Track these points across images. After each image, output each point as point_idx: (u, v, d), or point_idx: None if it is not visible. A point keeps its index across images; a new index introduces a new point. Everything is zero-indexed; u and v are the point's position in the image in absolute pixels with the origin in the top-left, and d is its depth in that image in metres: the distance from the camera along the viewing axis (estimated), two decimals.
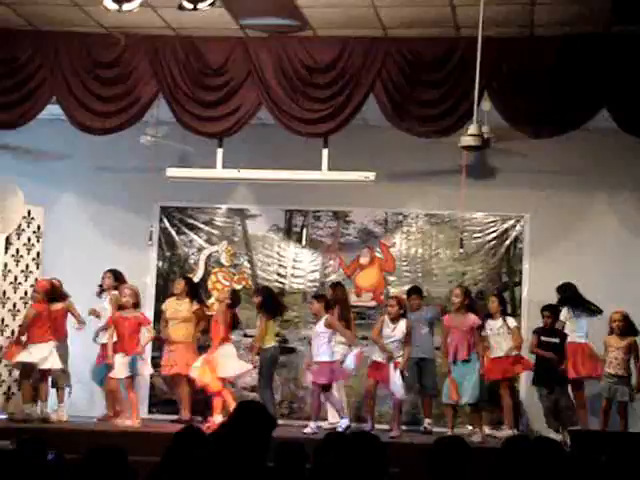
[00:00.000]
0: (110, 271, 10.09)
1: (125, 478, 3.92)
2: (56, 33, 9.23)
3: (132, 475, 4.02)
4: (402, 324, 9.30)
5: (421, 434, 9.53)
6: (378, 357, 9.34)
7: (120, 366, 9.42)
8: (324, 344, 9.16)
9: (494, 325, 9.61)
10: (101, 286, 10.12)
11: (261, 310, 9.89)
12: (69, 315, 9.90)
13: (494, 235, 10.73)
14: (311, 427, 9.16)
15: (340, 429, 8.79)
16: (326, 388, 9.23)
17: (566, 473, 3.95)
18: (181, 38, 9.20)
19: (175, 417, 9.86)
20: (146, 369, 9.70)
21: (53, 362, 9.43)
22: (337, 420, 9.32)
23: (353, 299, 10.59)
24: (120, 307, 9.63)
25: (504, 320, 9.63)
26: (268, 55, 9.05)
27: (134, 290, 9.69)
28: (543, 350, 9.58)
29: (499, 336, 9.58)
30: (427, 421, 9.73)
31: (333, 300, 9.68)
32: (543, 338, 9.63)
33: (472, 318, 9.30)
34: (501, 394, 9.57)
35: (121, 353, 9.44)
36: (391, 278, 10.79)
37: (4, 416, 9.88)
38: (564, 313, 9.69)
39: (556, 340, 9.58)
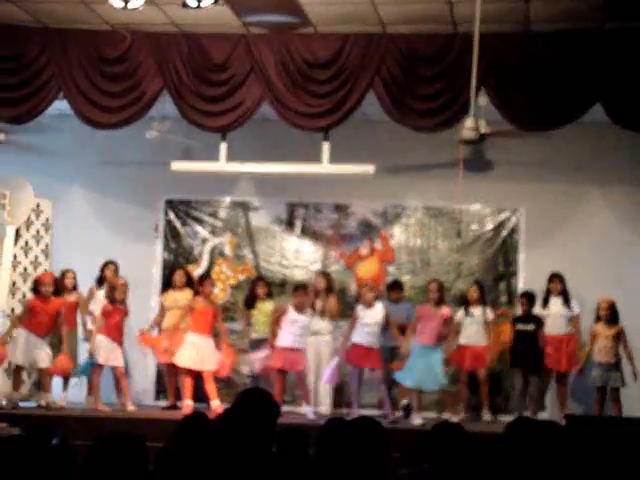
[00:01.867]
0: (112, 263, 10.25)
1: (140, 465, 3.86)
2: (63, 30, 9.35)
3: (145, 462, 3.94)
4: (378, 308, 9.42)
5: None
6: (359, 339, 9.37)
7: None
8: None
9: (472, 312, 9.78)
10: (102, 278, 10.24)
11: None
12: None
13: (491, 226, 10.83)
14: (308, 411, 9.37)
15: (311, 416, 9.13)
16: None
17: (567, 457, 4.01)
18: (185, 35, 9.31)
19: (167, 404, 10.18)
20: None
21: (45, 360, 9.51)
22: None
23: (353, 289, 10.80)
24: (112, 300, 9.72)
25: (483, 310, 9.81)
26: (270, 51, 9.16)
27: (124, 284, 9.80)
28: (519, 337, 9.66)
29: (473, 325, 9.74)
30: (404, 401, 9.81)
31: (328, 289, 9.95)
32: (519, 326, 9.73)
33: (445, 310, 9.36)
34: (480, 380, 9.80)
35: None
36: (390, 269, 10.92)
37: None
38: (559, 303, 9.84)
39: (531, 327, 9.66)
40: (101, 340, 9.57)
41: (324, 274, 10.30)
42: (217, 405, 9.51)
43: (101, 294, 9.97)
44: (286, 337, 9.33)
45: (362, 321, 9.33)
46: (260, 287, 10.19)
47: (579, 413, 9.84)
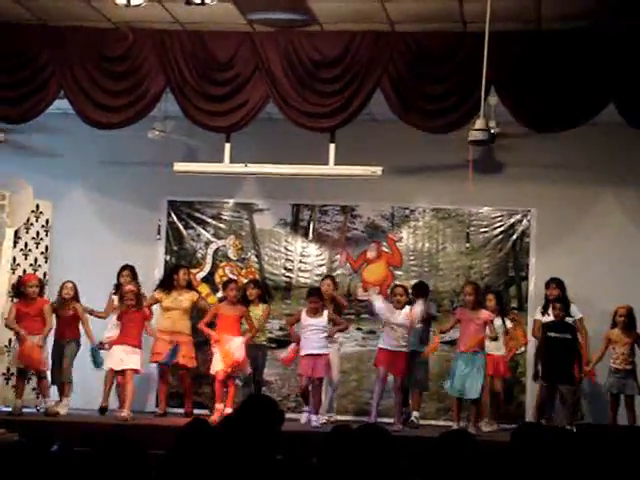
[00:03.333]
0: (126, 268, 10.07)
1: (141, 470, 3.89)
2: (65, 28, 9.25)
3: (147, 468, 3.99)
4: (405, 311, 9.31)
5: (409, 428, 9.39)
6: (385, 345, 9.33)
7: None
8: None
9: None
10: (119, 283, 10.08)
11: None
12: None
13: (501, 229, 10.72)
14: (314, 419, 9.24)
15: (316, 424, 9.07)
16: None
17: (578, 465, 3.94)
18: (189, 33, 9.21)
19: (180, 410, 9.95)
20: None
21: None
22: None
23: (360, 293, 10.65)
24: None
25: (502, 321, 9.61)
26: (275, 50, 9.05)
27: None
28: (553, 345, 9.29)
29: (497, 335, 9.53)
30: (415, 414, 9.63)
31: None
32: (552, 334, 9.33)
33: (485, 313, 9.17)
34: (497, 390, 9.61)
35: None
36: (398, 272, 10.79)
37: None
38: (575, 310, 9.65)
39: (567, 335, 9.28)
40: (115, 347, 9.49)
41: (331, 278, 10.13)
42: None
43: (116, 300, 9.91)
44: (303, 344, 9.30)
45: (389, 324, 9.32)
46: (250, 289, 9.92)
47: (584, 421, 9.72)
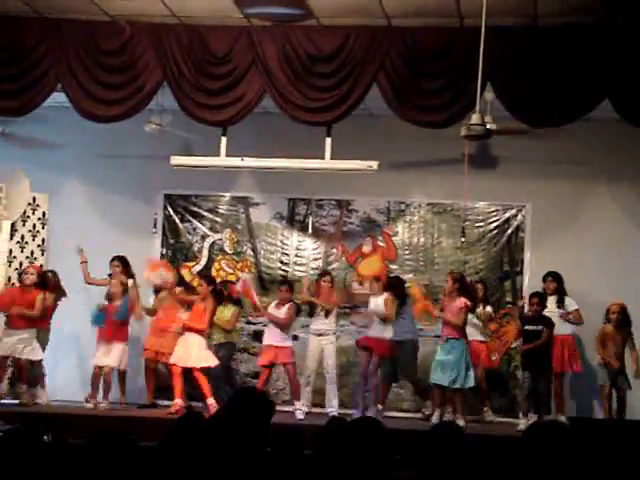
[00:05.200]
0: (115, 259, 10.11)
1: (133, 463, 3.86)
2: (61, 21, 9.23)
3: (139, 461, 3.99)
4: (380, 299, 9.55)
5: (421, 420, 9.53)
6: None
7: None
8: None
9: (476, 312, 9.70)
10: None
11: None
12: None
13: (496, 224, 10.74)
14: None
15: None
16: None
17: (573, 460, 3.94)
18: (186, 26, 9.19)
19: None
20: None
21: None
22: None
23: (355, 287, 10.68)
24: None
25: (483, 307, 9.76)
26: (272, 44, 9.04)
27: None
28: (527, 339, 9.40)
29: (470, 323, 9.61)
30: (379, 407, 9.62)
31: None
32: (528, 327, 9.44)
33: (461, 300, 9.16)
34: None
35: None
36: (393, 266, 10.81)
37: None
38: (554, 303, 9.70)
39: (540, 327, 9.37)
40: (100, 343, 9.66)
41: (329, 274, 10.21)
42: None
43: None
44: (266, 334, 9.66)
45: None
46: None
47: (574, 414, 9.78)
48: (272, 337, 9.55)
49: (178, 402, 9.28)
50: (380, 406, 9.56)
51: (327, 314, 9.73)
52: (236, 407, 4.09)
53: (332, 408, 9.62)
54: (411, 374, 9.78)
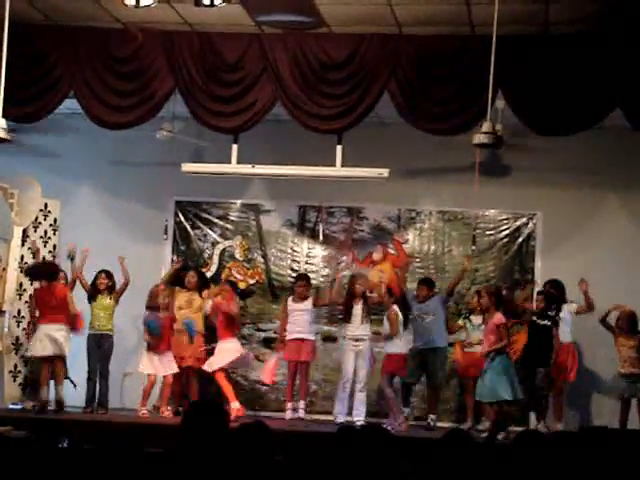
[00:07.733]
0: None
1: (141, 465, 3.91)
2: (74, 28, 9.29)
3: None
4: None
5: (425, 430, 9.45)
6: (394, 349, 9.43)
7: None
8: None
9: (473, 320, 9.71)
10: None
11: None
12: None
13: (506, 232, 10.73)
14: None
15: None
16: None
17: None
18: (197, 34, 9.24)
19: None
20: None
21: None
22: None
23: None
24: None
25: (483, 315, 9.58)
26: (283, 51, 9.08)
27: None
28: (534, 332, 9.43)
29: (475, 332, 9.62)
30: (430, 417, 9.63)
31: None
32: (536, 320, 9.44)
33: (498, 317, 8.92)
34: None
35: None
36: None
37: (19, 406, 9.99)
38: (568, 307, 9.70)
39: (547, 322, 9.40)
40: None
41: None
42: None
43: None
44: (289, 329, 9.79)
45: None
46: (101, 279, 10.12)
47: (573, 424, 9.75)
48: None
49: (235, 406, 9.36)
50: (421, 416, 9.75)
51: (362, 320, 9.63)
52: (192, 418, 4.13)
53: (359, 417, 9.44)
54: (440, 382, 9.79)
